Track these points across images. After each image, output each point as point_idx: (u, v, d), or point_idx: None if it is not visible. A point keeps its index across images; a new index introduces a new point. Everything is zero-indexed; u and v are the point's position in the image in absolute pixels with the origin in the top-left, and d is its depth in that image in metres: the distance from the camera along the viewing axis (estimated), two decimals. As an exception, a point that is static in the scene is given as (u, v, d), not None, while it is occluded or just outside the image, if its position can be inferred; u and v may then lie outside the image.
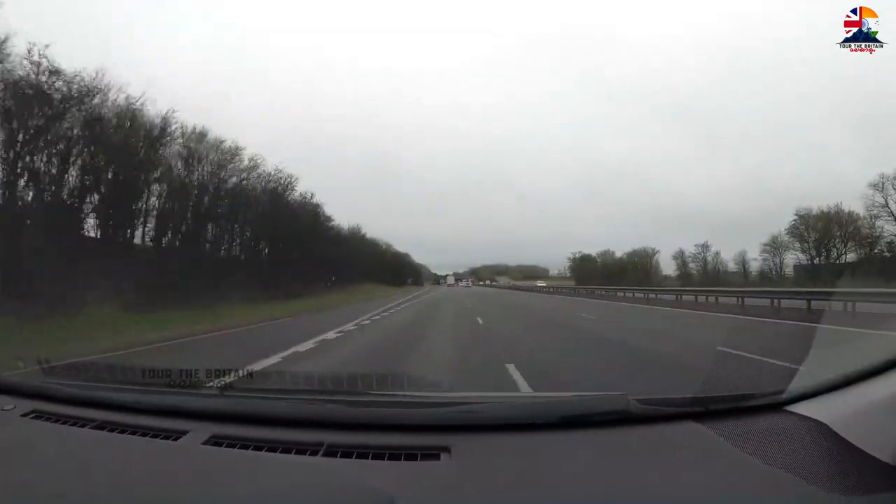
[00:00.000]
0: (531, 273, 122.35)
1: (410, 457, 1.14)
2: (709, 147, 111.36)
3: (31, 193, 16.86)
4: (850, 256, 41.28)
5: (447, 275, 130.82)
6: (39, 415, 1.52)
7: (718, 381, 4.60)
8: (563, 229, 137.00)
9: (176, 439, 1.29)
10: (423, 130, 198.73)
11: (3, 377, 1.83)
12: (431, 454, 1.15)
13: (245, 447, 1.23)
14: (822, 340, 2.81)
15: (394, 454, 1.16)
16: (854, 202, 43.12)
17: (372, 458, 1.15)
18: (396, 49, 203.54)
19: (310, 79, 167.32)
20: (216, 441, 1.26)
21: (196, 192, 24.19)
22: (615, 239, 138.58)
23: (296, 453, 1.19)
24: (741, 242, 65.94)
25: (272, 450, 1.21)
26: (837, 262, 40.94)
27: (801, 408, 1.24)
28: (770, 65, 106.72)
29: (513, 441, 1.23)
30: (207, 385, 1.93)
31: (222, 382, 1.92)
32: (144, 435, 1.34)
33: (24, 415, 1.53)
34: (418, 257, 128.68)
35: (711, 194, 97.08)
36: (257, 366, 6.18)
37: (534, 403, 1.60)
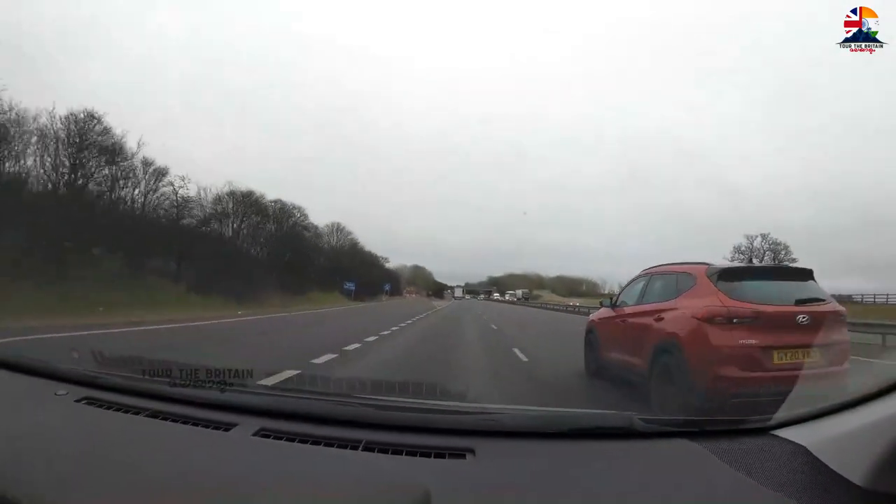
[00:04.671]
0: (575, 288, 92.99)
1: (440, 455, 1.27)
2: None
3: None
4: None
5: (455, 286, 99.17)
6: (92, 401, 1.60)
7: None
8: (609, 239, 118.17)
9: (227, 430, 1.39)
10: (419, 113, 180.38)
11: (54, 365, 1.89)
12: (458, 454, 1.28)
13: (291, 440, 1.33)
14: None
15: (425, 452, 1.28)
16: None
17: (406, 455, 1.27)
18: (414, 45, 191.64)
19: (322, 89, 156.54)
20: (264, 433, 1.36)
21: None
22: (660, 249, 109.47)
23: (337, 447, 1.30)
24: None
25: (316, 443, 1.32)
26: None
27: (785, 432, 1.35)
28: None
29: (530, 446, 1.36)
30: (256, 383, 2.02)
31: (269, 382, 1.99)
32: (196, 425, 1.43)
33: (78, 401, 1.60)
34: (435, 269, 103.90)
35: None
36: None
37: (549, 415, 1.72)
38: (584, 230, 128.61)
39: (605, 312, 6.39)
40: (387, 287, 65.96)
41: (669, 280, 4.94)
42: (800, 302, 4.00)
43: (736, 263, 4.90)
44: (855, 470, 1.07)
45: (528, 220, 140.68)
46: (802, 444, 1.25)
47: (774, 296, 4.06)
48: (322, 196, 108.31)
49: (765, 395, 3.67)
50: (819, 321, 3.90)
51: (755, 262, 44.86)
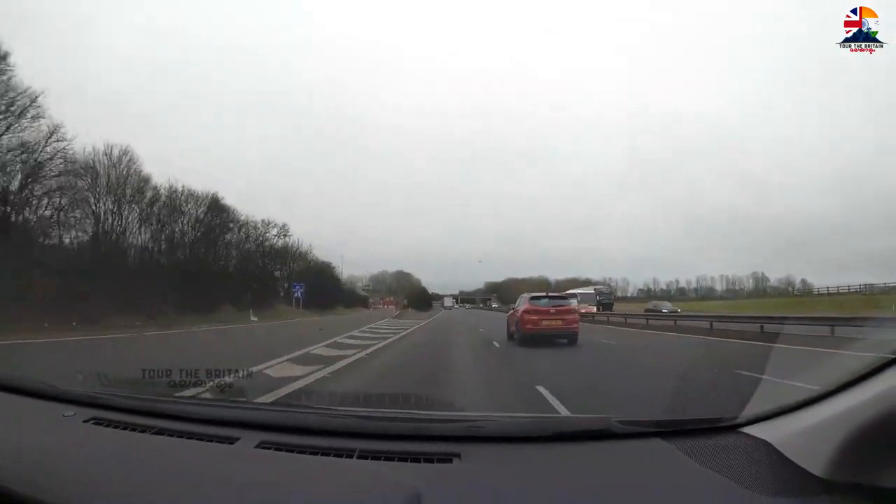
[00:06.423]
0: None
1: (428, 460, 1.37)
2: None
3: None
4: None
5: (445, 296, 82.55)
6: (99, 421, 1.67)
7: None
8: (623, 239, 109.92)
9: (230, 443, 1.49)
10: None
11: (61, 388, 1.99)
12: (445, 459, 1.37)
13: (290, 451, 1.43)
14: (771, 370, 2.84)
15: (415, 458, 1.38)
16: None
17: (397, 461, 1.37)
18: (406, 39, 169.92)
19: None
20: (265, 446, 1.46)
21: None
22: (679, 247, 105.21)
23: (334, 456, 1.41)
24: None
25: (313, 453, 1.42)
26: None
27: (751, 429, 1.43)
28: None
29: (514, 450, 1.48)
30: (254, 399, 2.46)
31: (267, 398, 2.49)
32: (201, 440, 1.52)
33: (85, 421, 1.67)
34: (427, 278, 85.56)
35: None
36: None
37: (531, 421, 1.89)
38: (597, 232, 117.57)
39: (511, 312, 15.86)
40: (298, 290, 38.58)
41: (523, 298, 14.69)
42: (554, 306, 13.69)
43: (540, 294, 14.31)
44: (815, 462, 1.15)
45: (533, 222, 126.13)
46: (767, 439, 1.34)
47: (547, 304, 13.83)
48: (302, 207, 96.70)
49: (540, 333, 12.95)
50: (560, 312, 13.63)
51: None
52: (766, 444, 1.33)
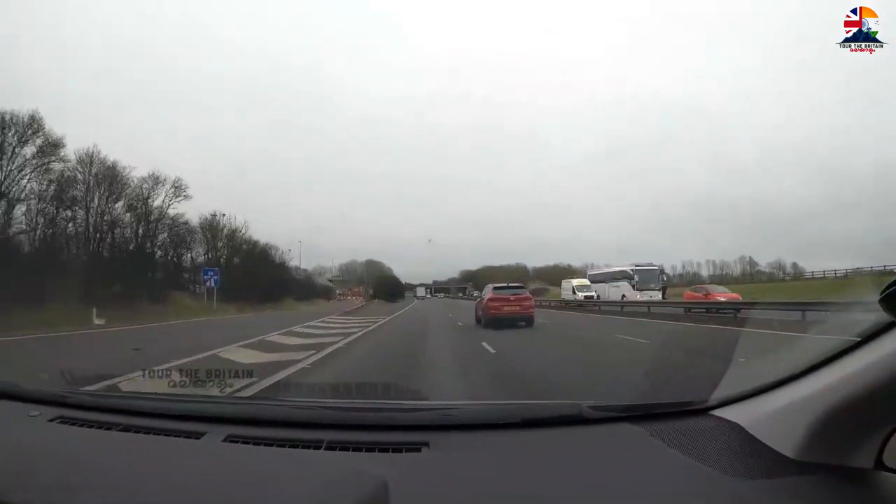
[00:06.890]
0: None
1: (397, 450, 1.36)
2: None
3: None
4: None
5: (417, 285, 77.09)
6: (65, 420, 1.65)
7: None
8: (607, 228, 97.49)
9: (197, 438, 1.47)
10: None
11: (26, 388, 1.97)
12: (414, 448, 1.37)
13: (257, 444, 1.43)
14: (741, 353, 2.99)
15: (383, 448, 1.37)
16: None
17: (365, 451, 1.37)
18: (385, 26, 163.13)
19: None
20: (232, 440, 1.45)
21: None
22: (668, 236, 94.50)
23: (301, 448, 1.40)
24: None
25: (281, 446, 1.42)
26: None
27: (721, 412, 1.43)
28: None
29: (483, 437, 1.47)
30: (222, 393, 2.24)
31: (233, 391, 2.26)
32: (167, 436, 1.51)
33: (51, 420, 1.65)
34: (400, 269, 77.52)
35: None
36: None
37: (501, 407, 1.88)
38: (577, 218, 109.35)
39: (478, 301, 17.37)
40: (210, 278, 30.42)
41: (488, 287, 16.06)
42: (514, 294, 15.44)
43: (501, 284, 16.49)
44: (785, 443, 1.16)
45: (511, 210, 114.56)
46: (737, 421, 1.34)
47: (508, 292, 15.48)
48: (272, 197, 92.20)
49: (502, 317, 15.42)
50: (518, 299, 15.10)
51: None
52: (737, 427, 1.33)
